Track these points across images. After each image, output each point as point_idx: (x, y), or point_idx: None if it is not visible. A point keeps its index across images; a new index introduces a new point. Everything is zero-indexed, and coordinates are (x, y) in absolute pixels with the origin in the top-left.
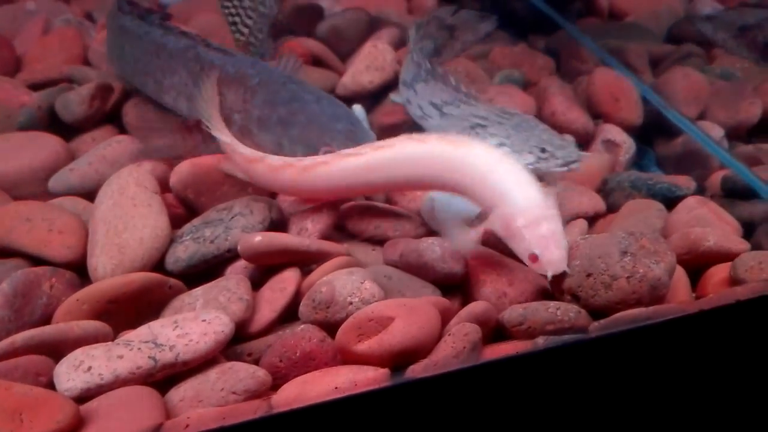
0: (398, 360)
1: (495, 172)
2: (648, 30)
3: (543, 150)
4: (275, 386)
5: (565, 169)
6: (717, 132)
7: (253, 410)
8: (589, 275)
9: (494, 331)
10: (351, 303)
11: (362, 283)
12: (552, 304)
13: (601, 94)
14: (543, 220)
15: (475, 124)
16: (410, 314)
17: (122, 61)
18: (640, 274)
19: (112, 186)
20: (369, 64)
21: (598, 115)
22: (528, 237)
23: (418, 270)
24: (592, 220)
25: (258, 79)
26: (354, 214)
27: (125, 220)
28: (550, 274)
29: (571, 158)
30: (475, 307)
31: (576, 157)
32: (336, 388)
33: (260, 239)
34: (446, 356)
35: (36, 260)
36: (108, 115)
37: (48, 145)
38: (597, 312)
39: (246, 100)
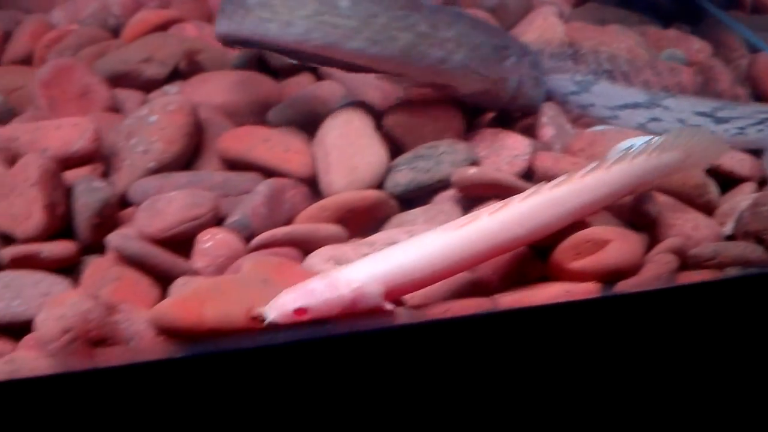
0: (610, 277)
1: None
2: None
3: None
4: None
5: None
6: None
7: (477, 306)
8: None
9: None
10: None
11: None
12: (741, 243)
13: (764, 75)
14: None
15: (764, 118)
16: (624, 239)
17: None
18: None
19: (338, 119)
20: (540, 34)
21: (759, 95)
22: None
23: (614, 211)
24: (760, 184)
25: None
26: (545, 161)
27: (354, 147)
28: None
29: None
30: (673, 242)
31: None
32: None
33: (474, 171)
34: (650, 277)
35: (272, 174)
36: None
37: (263, 83)
38: None
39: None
